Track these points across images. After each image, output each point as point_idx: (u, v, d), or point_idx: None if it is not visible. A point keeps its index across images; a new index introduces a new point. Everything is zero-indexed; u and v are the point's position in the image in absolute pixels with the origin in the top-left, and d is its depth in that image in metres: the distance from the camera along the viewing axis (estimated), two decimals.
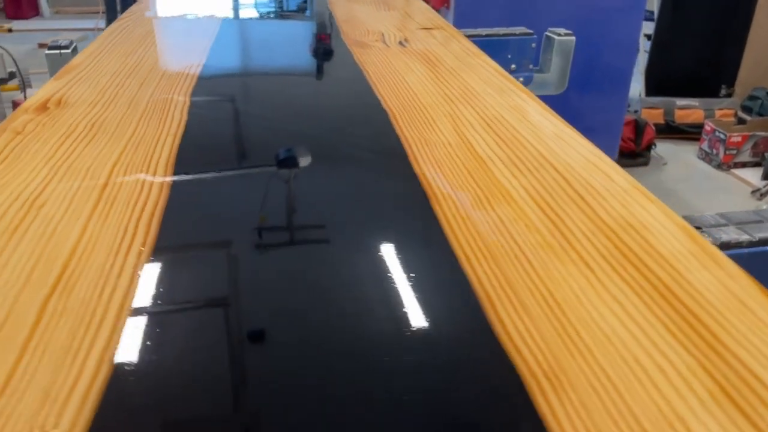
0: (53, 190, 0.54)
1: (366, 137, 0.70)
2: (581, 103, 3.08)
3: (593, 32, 2.90)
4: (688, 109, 3.80)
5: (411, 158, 0.64)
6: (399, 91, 0.84)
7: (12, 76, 2.97)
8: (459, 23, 2.99)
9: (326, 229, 0.52)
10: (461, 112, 0.77)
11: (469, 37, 1.63)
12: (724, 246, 0.68)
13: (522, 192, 0.58)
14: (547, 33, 1.73)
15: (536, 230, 0.51)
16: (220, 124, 0.71)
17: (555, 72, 1.71)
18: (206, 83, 0.83)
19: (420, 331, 0.40)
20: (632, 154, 3.49)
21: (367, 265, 0.46)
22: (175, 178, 0.57)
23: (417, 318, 0.41)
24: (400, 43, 1.11)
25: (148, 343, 0.37)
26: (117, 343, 0.37)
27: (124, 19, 1.25)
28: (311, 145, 0.66)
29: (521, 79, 1.71)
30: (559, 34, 1.68)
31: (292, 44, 1.11)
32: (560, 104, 3.17)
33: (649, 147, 3.53)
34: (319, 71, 0.97)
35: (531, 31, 1.65)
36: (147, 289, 0.41)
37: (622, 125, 3.13)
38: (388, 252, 0.48)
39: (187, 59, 0.93)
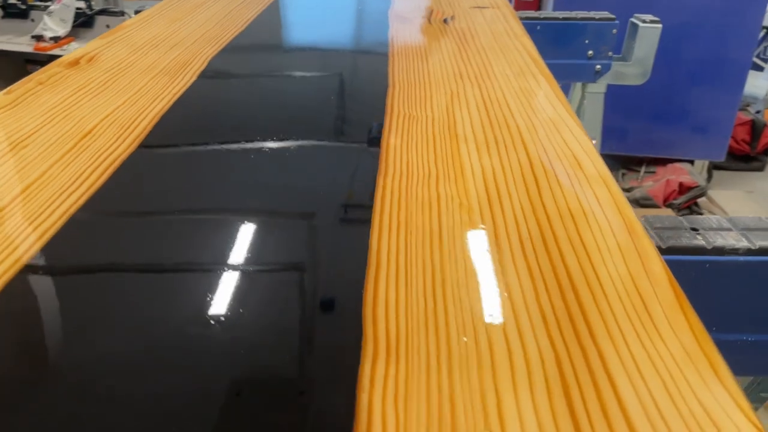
0: (40, 135, 0.60)
1: (351, 109, 0.71)
2: (688, 97, 2.88)
3: (708, 20, 2.69)
4: None
5: (384, 131, 0.64)
6: (413, 66, 0.84)
7: None
8: (561, 5, 2.88)
9: (262, 192, 0.54)
10: (464, 92, 0.76)
11: (543, 20, 1.58)
12: (717, 251, 0.63)
13: (477, 172, 0.57)
14: (632, 19, 1.63)
15: (468, 209, 0.51)
16: (219, 88, 0.75)
17: (636, 61, 1.61)
18: (230, 52, 0.87)
19: (297, 284, 0.41)
20: (746, 157, 3.23)
21: (279, 226, 0.48)
22: (149, 137, 0.61)
23: (301, 272, 0.42)
24: (445, 20, 1.10)
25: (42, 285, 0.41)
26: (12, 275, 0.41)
27: None
28: (292, 114, 0.68)
29: (598, 66, 1.63)
30: (645, 21, 1.59)
31: (333, 17, 1.12)
32: (665, 97, 3.02)
33: (766, 151, 3.24)
34: (345, 45, 0.98)
35: (612, 16, 1.57)
36: (63, 236, 0.45)
37: (733, 124, 2.90)
38: (305, 216, 0.50)
39: (222, 29, 0.98)
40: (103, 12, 3.22)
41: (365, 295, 0.40)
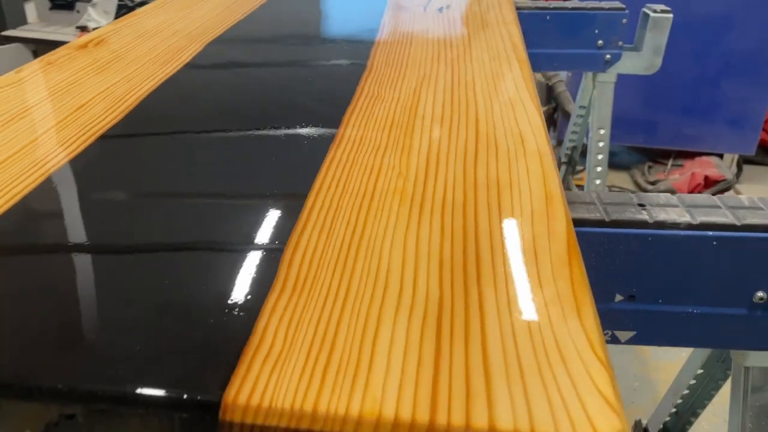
0: (39, 109, 0.67)
1: (323, 89, 0.76)
2: (718, 90, 2.84)
3: (739, 12, 2.65)
4: None
5: (349, 109, 0.70)
6: (394, 51, 0.89)
7: None
8: None
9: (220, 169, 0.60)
10: (437, 74, 0.81)
11: (552, 9, 1.60)
12: (658, 225, 0.67)
13: (424, 145, 0.62)
14: (644, 9, 1.64)
15: (404, 177, 0.56)
16: (207, 72, 0.81)
17: (647, 51, 1.62)
18: (229, 35, 0.94)
19: (229, 240, 0.47)
20: None
21: (233, 192, 0.54)
22: (131, 113, 0.68)
23: (235, 230, 0.48)
24: (440, 9, 1.14)
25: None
26: None
27: None
28: (271, 95, 0.74)
29: (608, 56, 1.65)
30: (656, 11, 1.60)
31: (332, 6, 1.18)
32: (694, 90, 2.97)
33: None
34: (336, 32, 1.04)
35: (622, 6, 1.58)
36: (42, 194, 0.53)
37: (764, 118, 2.84)
38: (261, 173, 0.56)
39: (225, 16, 1.04)
40: (143, 4, 3.35)
41: (288, 242, 0.46)
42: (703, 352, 0.88)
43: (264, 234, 0.47)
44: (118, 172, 0.57)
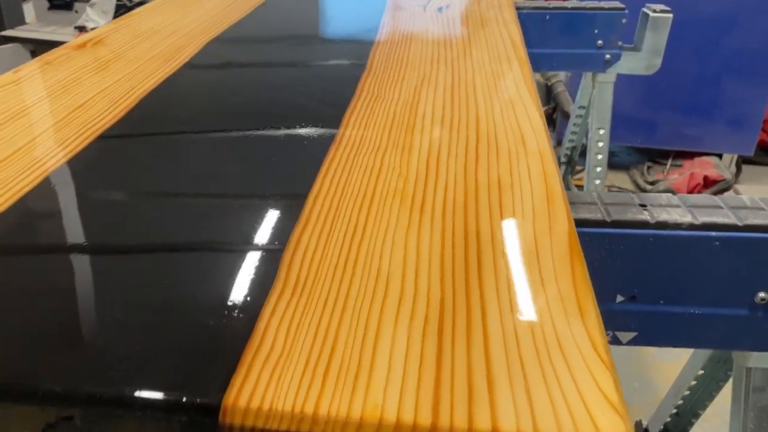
0: (39, 107, 0.67)
1: (323, 89, 0.76)
2: (717, 90, 2.84)
3: (740, 11, 2.65)
4: None
5: (349, 109, 0.69)
6: (394, 51, 0.89)
7: None
8: None
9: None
10: (437, 74, 0.80)
11: (552, 9, 1.60)
12: (660, 225, 0.67)
13: (425, 145, 0.61)
14: (644, 9, 1.64)
15: (404, 179, 0.55)
16: (206, 72, 0.81)
17: (647, 51, 1.62)
18: (229, 34, 0.94)
19: (228, 240, 0.47)
20: None
21: (232, 193, 0.54)
22: (131, 112, 0.68)
23: (234, 231, 0.48)
24: (439, 8, 1.14)
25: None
26: None
27: None
28: (270, 95, 0.74)
29: (608, 56, 1.64)
30: (655, 11, 1.60)
31: (331, 5, 1.18)
32: (693, 90, 2.97)
33: None
34: (335, 32, 1.03)
35: (622, 6, 1.58)
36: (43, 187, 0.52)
37: (763, 118, 2.84)
38: (260, 175, 0.55)
39: (223, 17, 1.04)
40: (142, 4, 3.34)
41: (288, 243, 0.46)
42: (705, 353, 0.87)
43: (263, 235, 0.47)
44: (118, 171, 0.57)
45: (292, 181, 0.56)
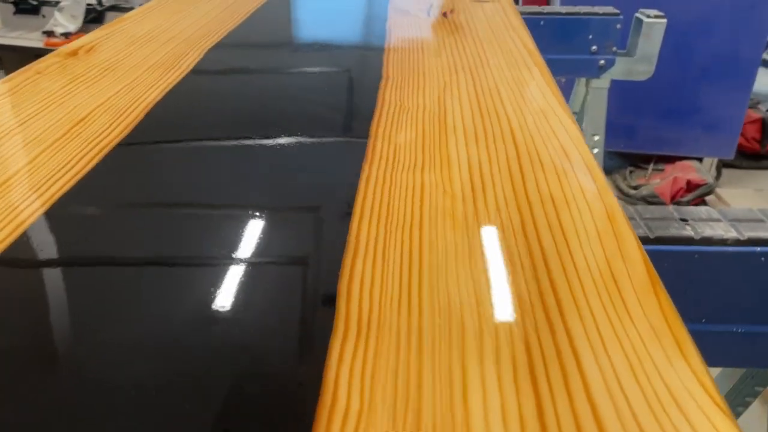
0: (35, 122, 0.61)
1: (343, 98, 0.71)
2: (697, 95, 2.87)
3: (718, 16, 2.68)
4: None
5: (374, 121, 0.65)
6: (408, 59, 0.84)
7: None
8: (567, 1, 2.87)
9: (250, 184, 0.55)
10: (457, 82, 0.76)
11: (546, 14, 1.57)
12: (705, 241, 0.63)
13: (464, 160, 0.57)
14: (637, 14, 1.63)
15: (451, 196, 0.51)
16: (213, 80, 0.76)
17: (641, 56, 1.61)
18: (229, 41, 0.88)
19: (271, 262, 0.42)
20: (756, 156, 3.20)
21: (263, 213, 0.49)
22: (139, 125, 0.62)
23: (276, 254, 0.43)
24: (444, 14, 1.10)
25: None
26: None
27: None
28: (283, 107, 0.69)
29: (602, 62, 1.63)
30: (649, 16, 1.58)
31: (331, 10, 1.13)
32: (673, 94, 3.00)
33: None
34: (342, 38, 0.99)
35: (617, 11, 1.56)
36: (50, 217, 0.46)
37: (742, 122, 2.87)
38: (294, 197, 0.50)
39: (220, 22, 0.99)
40: (113, 8, 3.25)
41: (341, 273, 0.41)
42: (736, 369, 0.85)
43: (313, 263, 0.42)
44: (135, 192, 0.51)
45: (329, 201, 0.51)
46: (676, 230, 0.65)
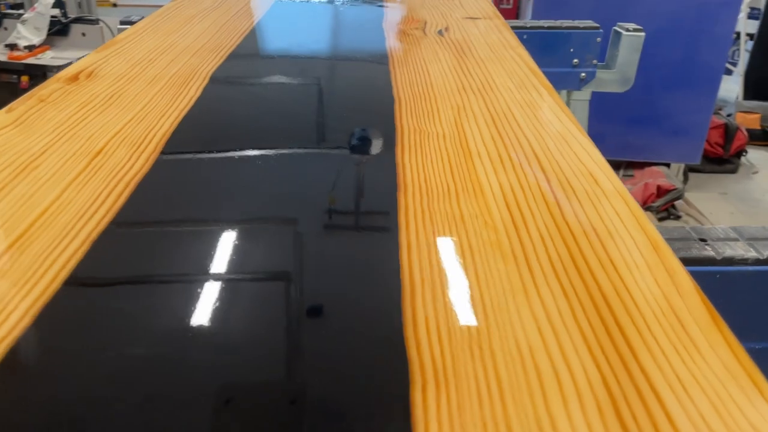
0: (51, 155, 0.58)
1: (361, 122, 0.71)
2: (664, 101, 2.94)
3: (684, 26, 2.75)
4: None
5: (398, 147, 0.64)
6: (416, 79, 0.84)
7: None
8: (540, 13, 2.91)
9: (278, 210, 0.54)
10: (470, 105, 0.76)
11: (529, 29, 1.59)
12: (726, 261, 0.64)
13: (496, 188, 0.57)
14: (616, 28, 1.66)
15: (493, 228, 0.51)
16: (227, 102, 0.74)
17: (620, 69, 1.64)
18: (232, 63, 0.87)
19: (330, 308, 0.41)
20: (719, 160, 3.30)
21: (309, 243, 0.48)
22: (162, 154, 0.60)
23: (332, 295, 0.42)
24: (440, 32, 1.10)
25: (76, 307, 0.40)
26: (47, 301, 0.40)
27: None
28: (302, 128, 0.68)
29: (583, 74, 1.65)
30: (628, 29, 1.62)
31: (330, 29, 1.12)
32: (641, 101, 3.06)
33: (739, 153, 3.32)
34: (345, 57, 0.98)
35: (596, 25, 1.59)
36: (93, 256, 0.45)
37: (708, 128, 2.96)
38: (334, 234, 0.49)
39: (221, 40, 0.97)
40: (78, 20, 3.17)
41: (404, 318, 0.40)
42: None
43: (371, 308, 0.41)
44: (175, 229, 0.49)
45: (371, 238, 0.50)
46: (697, 251, 0.66)
